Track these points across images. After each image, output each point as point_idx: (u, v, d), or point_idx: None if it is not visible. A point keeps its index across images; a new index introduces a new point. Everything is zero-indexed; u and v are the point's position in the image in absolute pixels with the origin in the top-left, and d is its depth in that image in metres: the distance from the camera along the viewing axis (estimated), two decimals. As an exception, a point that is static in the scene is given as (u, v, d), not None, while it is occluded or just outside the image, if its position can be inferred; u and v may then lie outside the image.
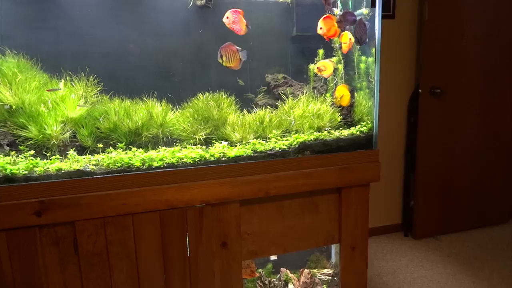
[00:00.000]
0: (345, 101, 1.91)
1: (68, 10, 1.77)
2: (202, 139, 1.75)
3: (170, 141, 1.76)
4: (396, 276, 2.67)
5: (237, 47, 1.73)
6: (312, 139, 1.79)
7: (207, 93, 1.87)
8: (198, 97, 1.85)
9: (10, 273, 1.45)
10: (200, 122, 1.77)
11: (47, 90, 1.59)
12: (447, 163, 3.18)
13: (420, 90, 3.00)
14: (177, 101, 1.86)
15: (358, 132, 1.86)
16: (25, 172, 1.45)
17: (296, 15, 2.03)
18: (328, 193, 1.85)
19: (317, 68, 1.87)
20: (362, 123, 1.91)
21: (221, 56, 1.72)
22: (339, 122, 1.91)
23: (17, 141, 1.54)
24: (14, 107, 1.53)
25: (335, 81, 2.01)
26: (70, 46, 1.76)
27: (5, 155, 1.50)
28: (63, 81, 1.68)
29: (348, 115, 1.94)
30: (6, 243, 1.43)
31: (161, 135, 1.73)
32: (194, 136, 1.74)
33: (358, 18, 1.90)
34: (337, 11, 2.03)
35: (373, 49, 2.00)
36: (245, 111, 1.88)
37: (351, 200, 1.86)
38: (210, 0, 1.86)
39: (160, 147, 1.70)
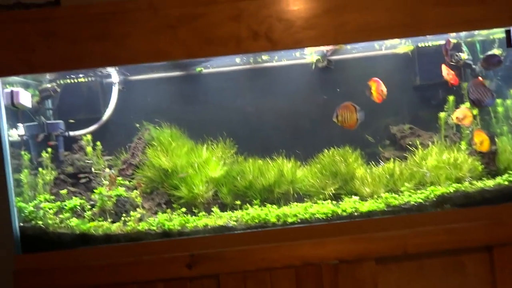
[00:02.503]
0: (486, 146, 1.76)
1: (209, 85, 2.06)
2: (331, 194, 1.77)
3: (299, 197, 1.82)
4: None
5: (356, 107, 1.76)
6: (451, 191, 1.67)
7: (332, 149, 1.91)
8: (323, 153, 1.91)
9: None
10: (328, 177, 1.81)
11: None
12: None
13: None
14: (304, 158, 1.94)
15: (506, 182, 1.67)
16: (179, 227, 1.64)
17: (418, 64, 2.00)
18: (475, 252, 1.66)
19: (456, 117, 1.78)
20: (510, 172, 1.72)
21: (337, 116, 1.75)
22: (481, 171, 1.75)
23: (171, 200, 1.78)
24: (169, 170, 1.79)
25: (470, 128, 1.87)
26: (211, 115, 2.02)
27: (163, 213, 1.73)
28: (205, 146, 1.92)
29: (490, 163, 1.77)
30: (163, 293, 1.61)
31: (291, 191, 1.80)
32: (323, 192, 1.78)
33: (473, 80, 1.80)
34: (464, 55, 1.95)
35: (511, 91, 1.85)
36: (372, 164, 1.87)
37: (507, 261, 1.63)
38: (330, 61, 1.97)
39: (291, 203, 1.77)
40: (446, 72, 1.82)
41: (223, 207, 1.78)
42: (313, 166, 1.88)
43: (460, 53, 1.93)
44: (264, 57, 1.97)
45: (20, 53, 1.55)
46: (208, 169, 1.82)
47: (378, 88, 1.81)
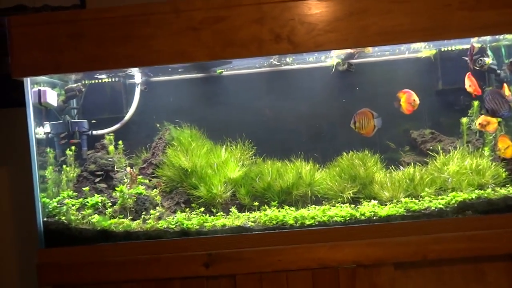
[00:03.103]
0: (510, 153, 1.72)
1: (229, 87, 2.08)
2: (349, 197, 1.76)
3: (318, 200, 1.82)
4: None
5: (374, 113, 1.75)
6: (473, 197, 1.64)
7: (351, 152, 1.90)
8: (342, 156, 1.90)
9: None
10: (347, 181, 1.80)
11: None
12: None
13: None
14: (323, 161, 1.94)
15: (531, 190, 1.64)
16: (197, 227, 1.66)
17: (441, 69, 1.98)
18: (497, 261, 1.62)
19: (479, 124, 1.75)
20: (536, 179, 1.68)
21: (354, 122, 1.74)
22: (505, 178, 1.71)
23: (190, 199, 1.80)
24: (189, 170, 1.81)
25: (494, 134, 1.84)
26: (230, 117, 2.04)
27: (181, 212, 1.76)
28: (224, 147, 1.93)
29: (514, 170, 1.74)
30: (181, 291, 1.63)
31: (309, 194, 1.80)
32: (341, 195, 1.77)
33: (491, 90, 1.76)
34: (489, 60, 1.91)
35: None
36: (391, 168, 1.85)
37: (530, 270, 1.59)
38: (351, 64, 1.96)
39: (309, 205, 1.77)
40: (469, 84, 1.79)
41: (241, 208, 1.79)
42: (332, 169, 1.87)
43: (484, 58, 1.90)
44: (288, 59, 1.98)
45: (49, 53, 1.60)
46: (227, 169, 1.84)
47: (409, 98, 1.80)
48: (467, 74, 1.82)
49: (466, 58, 1.83)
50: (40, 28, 1.61)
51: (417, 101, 1.81)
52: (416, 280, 1.63)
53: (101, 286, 1.64)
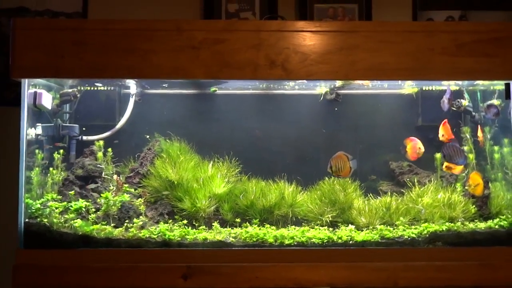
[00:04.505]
0: (479, 190, 1.84)
1: (221, 105, 2.15)
2: (328, 221, 1.83)
3: (298, 221, 1.88)
4: None
5: (348, 155, 1.85)
6: (444, 229, 1.73)
7: (333, 177, 1.98)
8: (324, 181, 1.98)
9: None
10: (327, 205, 1.87)
11: None
12: None
13: None
14: (305, 184, 2.01)
15: (497, 226, 1.74)
16: (179, 238, 1.69)
17: (421, 106, 2.11)
18: (464, 292, 1.70)
19: (446, 166, 1.87)
20: (501, 217, 1.79)
21: (331, 167, 1.84)
22: (474, 214, 1.82)
23: (174, 211, 1.83)
24: (175, 182, 1.85)
25: (466, 171, 1.96)
26: (219, 134, 2.11)
27: (164, 222, 1.79)
28: (211, 162, 1.99)
29: (483, 206, 1.84)
30: (156, 302, 1.64)
31: (290, 214, 1.86)
32: (321, 218, 1.84)
33: (447, 144, 1.89)
34: (465, 102, 2.05)
35: (506, 140, 1.94)
36: (369, 196, 1.94)
37: (494, 304, 1.67)
38: (339, 95, 2.07)
39: (289, 225, 1.83)
40: (442, 134, 1.91)
41: (223, 223, 1.83)
42: (313, 193, 1.94)
43: (461, 100, 2.04)
44: (277, 85, 2.08)
45: (50, 57, 1.64)
46: (212, 185, 1.89)
47: (414, 147, 1.92)
48: (443, 121, 1.93)
49: (445, 99, 1.96)
50: (44, 32, 1.66)
51: (422, 149, 1.92)
52: (386, 305, 1.69)
53: (77, 291, 1.64)
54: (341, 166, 1.82)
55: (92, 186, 1.90)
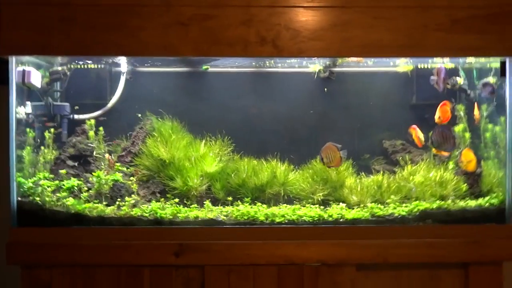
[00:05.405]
0: (472, 166, 1.84)
1: (214, 83, 2.13)
2: (320, 199, 1.84)
3: (289, 199, 1.89)
4: None
5: (338, 145, 1.83)
6: (434, 207, 1.74)
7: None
8: (317, 160, 1.98)
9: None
10: (318, 183, 1.88)
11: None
12: None
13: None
14: (297, 162, 2.01)
15: (487, 204, 1.75)
16: (170, 217, 1.71)
17: (416, 84, 2.09)
18: (452, 268, 1.73)
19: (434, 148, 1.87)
20: (492, 195, 1.79)
21: (322, 158, 1.83)
22: (465, 192, 1.82)
23: (166, 190, 1.84)
24: (167, 161, 1.85)
25: (460, 150, 1.95)
26: (212, 112, 2.09)
27: (156, 201, 1.80)
28: (203, 141, 1.98)
29: (474, 185, 1.85)
30: (149, 279, 1.66)
31: (282, 193, 1.87)
32: (312, 196, 1.84)
33: (441, 125, 1.88)
34: (460, 80, 2.03)
35: (502, 118, 1.92)
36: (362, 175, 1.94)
37: (481, 280, 1.70)
38: (332, 72, 2.05)
39: (281, 204, 1.84)
40: (438, 116, 1.90)
41: (215, 202, 1.84)
42: (305, 171, 1.95)
43: (457, 78, 2.01)
44: (270, 62, 2.05)
45: (38, 34, 1.61)
46: (204, 163, 1.89)
47: (416, 135, 1.97)
48: (442, 103, 1.91)
49: (433, 78, 1.93)
50: (31, 8, 1.62)
51: (422, 137, 1.98)
52: (376, 281, 1.72)
53: (71, 268, 1.66)
54: (331, 156, 1.82)
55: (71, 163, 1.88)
